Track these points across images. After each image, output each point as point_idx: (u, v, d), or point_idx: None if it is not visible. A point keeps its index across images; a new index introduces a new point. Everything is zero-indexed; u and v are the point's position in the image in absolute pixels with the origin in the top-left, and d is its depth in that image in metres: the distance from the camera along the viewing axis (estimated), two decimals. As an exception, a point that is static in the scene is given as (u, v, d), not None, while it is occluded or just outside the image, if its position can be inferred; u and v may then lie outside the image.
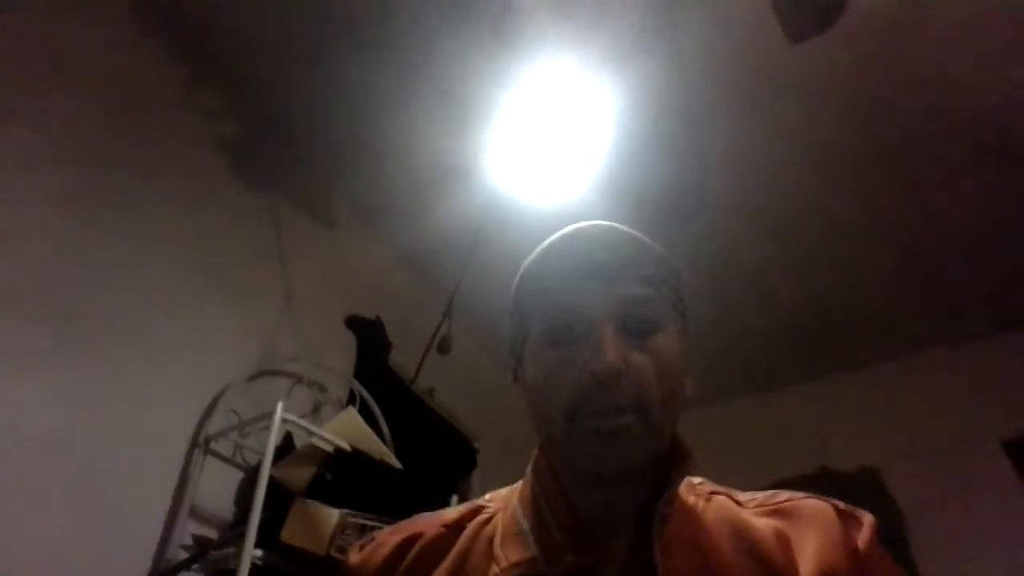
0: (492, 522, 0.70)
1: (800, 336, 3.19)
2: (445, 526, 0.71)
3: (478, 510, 0.73)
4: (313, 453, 1.73)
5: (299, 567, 1.45)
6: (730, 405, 3.59)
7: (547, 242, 0.70)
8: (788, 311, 3.05)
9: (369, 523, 1.55)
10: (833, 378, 3.42)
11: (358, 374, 2.51)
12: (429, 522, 0.72)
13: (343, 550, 1.47)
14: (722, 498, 0.70)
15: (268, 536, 1.51)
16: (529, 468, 0.73)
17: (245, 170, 2.30)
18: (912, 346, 3.24)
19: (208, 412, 1.88)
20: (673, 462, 0.66)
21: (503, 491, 0.76)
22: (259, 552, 1.43)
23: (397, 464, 1.87)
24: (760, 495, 0.70)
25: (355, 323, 2.64)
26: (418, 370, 2.29)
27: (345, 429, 1.78)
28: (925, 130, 2.31)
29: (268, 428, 1.60)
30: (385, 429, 2.33)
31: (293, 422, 1.65)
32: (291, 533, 1.44)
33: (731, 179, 2.46)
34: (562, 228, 0.68)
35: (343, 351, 2.52)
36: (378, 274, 2.87)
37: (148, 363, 1.77)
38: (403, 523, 0.75)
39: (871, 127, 2.31)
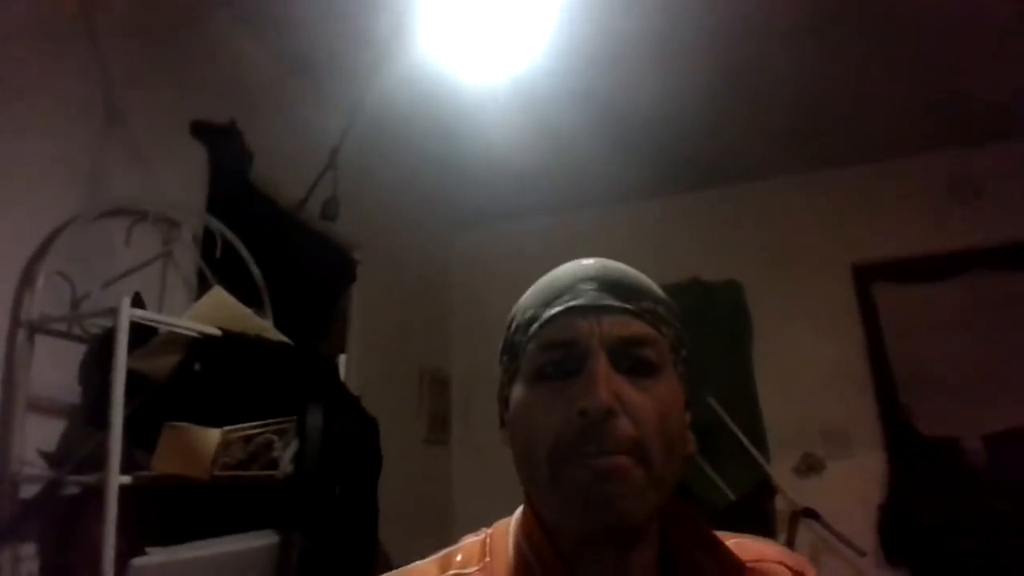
0: None
1: (684, 154, 3.11)
2: None
3: None
4: (174, 339, 1.48)
5: (176, 491, 1.31)
6: (614, 211, 3.60)
7: (542, 279, 0.66)
8: (676, 130, 2.91)
9: (255, 432, 1.40)
10: (707, 193, 3.47)
11: (213, 196, 2.12)
12: None
13: (231, 466, 1.34)
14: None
15: (138, 440, 1.33)
16: (513, 524, 0.66)
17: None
18: (778, 171, 3.32)
19: (25, 281, 1.50)
20: (676, 520, 0.62)
21: (475, 544, 0.67)
22: (127, 479, 1.25)
23: (278, 336, 1.67)
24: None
25: (204, 131, 2.14)
26: (302, 203, 1.94)
27: (212, 312, 1.51)
28: None
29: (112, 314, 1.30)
30: (256, 272, 2.05)
31: (146, 319, 1.36)
32: (164, 461, 1.26)
33: None
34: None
35: (195, 173, 2.08)
36: (233, 69, 2.27)
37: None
38: None
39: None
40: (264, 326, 1.64)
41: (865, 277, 3.23)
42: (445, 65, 2.07)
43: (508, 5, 1.66)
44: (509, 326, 0.66)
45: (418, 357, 3.39)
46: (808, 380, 3.14)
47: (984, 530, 2.78)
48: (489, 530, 0.69)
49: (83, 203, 1.65)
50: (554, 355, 0.59)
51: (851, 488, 2.99)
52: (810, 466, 3.12)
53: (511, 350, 0.64)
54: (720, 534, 0.66)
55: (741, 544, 0.67)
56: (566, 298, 0.60)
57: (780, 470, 3.05)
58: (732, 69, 2.52)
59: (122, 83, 1.81)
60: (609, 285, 0.60)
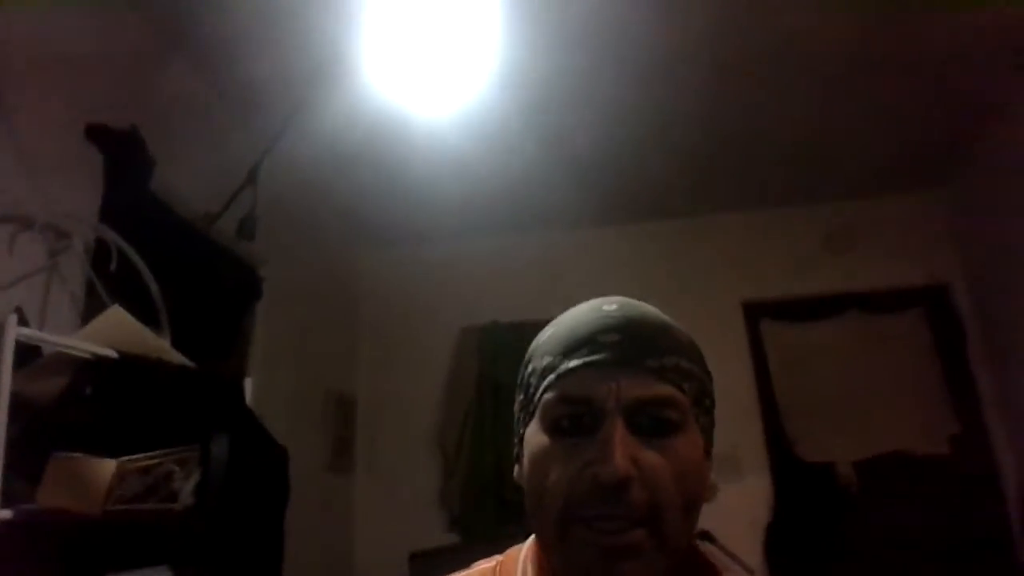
0: None
1: (598, 188, 3.22)
2: None
3: None
4: (62, 360, 1.36)
5: (63, 527, 1.19)
6: (515, 238, 3.66)
7: (565, 316, 0.65)
8: (590, 164, 3.02)
9: (153, 462, 1.30)
10: (614, 229, 3.61)
11: (108, 205, 1.97)
12: None
13: (127, 499, 1.23)
14: None
15: (18, 471, 1.20)
16: (524, 556, 0.68)
17: None
18: (680, 212, 3.53)
19: None
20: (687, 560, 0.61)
21: (487, 572, 0.69)
22: (7, 513, 1.13)
23: (178, 359, 1.57)
24: None
25: (101, 135, 1.99)
26: (214, 220, 1.84)
27: (109, 332, 1.40)
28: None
29: (-5, 346, 1.18)
30: (154, 288, 1.92)
31: (35, 340, 1.24)
32: (51, 495, 1.14)
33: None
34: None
35: (88, 180, 1.93)
36: (138, 70, 2.14)
37: None
38: None
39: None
40: (164, 347, 1.54)
41: (754, 314, 3.47)
42: (371, 87, 2.06)
43: (437, 33, 1.69)
44: (527, 364, 0.65)
45: (323, 380, 3.28)
46: (704, 408, 3.30)
47: (857, 547, 3.02)
48: (501, 557, 0.70)
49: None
50: (570, 410, 0.58)
51: (741, 510, 3.16)
52: (704, 491, 3.28)
53: (527, 391, 0.63)
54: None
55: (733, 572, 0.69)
56: (585, 351, 0.58)
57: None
58: (648, 111, 2.65)
59: (10, 76, 1.66)
60: (632, 339, 0.58)
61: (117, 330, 1.41)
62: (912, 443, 3.17)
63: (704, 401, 0.61)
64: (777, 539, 3.16)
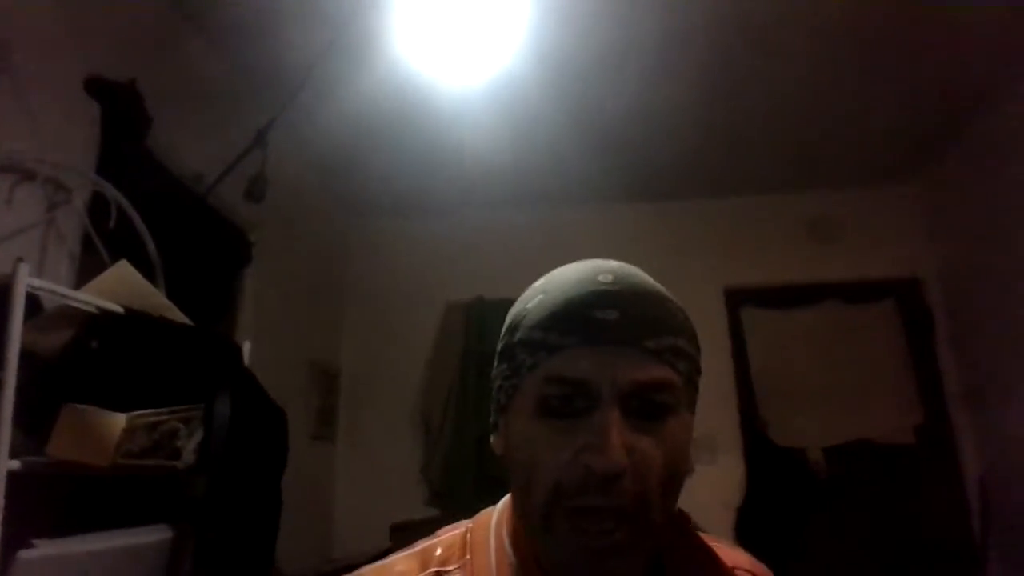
0: None
1: (603, 165, 3.24)
2: None
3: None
4: (68, 314, 1.35)
5: (68, 479, 1.19)
6: (509, 212, 3.67)
7: (555, 282, 0.60)
8: (596, 142, 3.04)
9: (160, 418, 1.30)
10: (609, 206, 3.65)
11: (105, 159, 1.94)
12: None
13: (133, 454, 1.23)
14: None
15: (29, 428, 1.19)
16: (496, 521, 0.65)
17: None
18: (671, 195, 3.57)
19: None
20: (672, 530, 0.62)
21: (455, 538, 0.65)
22: (16, 464, 1.12)
23: (181, 318, 1.56)
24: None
25: (99, 88, 1.94)
26: (216, 183, 1.82)
27: (115, 287, 1.39)
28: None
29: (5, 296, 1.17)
30: (151, 246, 1.90)
31: (45, 290, 1.23)
32: (61, 446, 1.14)
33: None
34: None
35: (87, 133, 1.88)
36: (141, 24, 2.09)
37: None
38: None
39: None
40: (168, 305, 1.53)
41: (735, 300, 3.55)
42: (391, 59, 2.03)
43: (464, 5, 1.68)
44: (512, 331, 0.61)
45: (308, 349, 3.27)
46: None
47: (824, 530, 3.14)
48: (470, 523, 0.67)
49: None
50: (562, 390, 0.55)
51: (714, 491, 3.25)
52: (679, 471, 3.36)
53: (512, 361, 0.59)
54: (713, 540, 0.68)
55: (719, 550, 0.68)
56: (580, 330, 0.55)
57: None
58: (655, 92, 2.66)
59: (16, 30, 1.62)
60: (629, 318, 0.55)
61: (123, 285, 1.40)
62: (879, 432, 3.29)
63: (694, 378, 0.60)
64: (747, 521, 3.27)
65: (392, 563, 0.64)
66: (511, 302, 0.64)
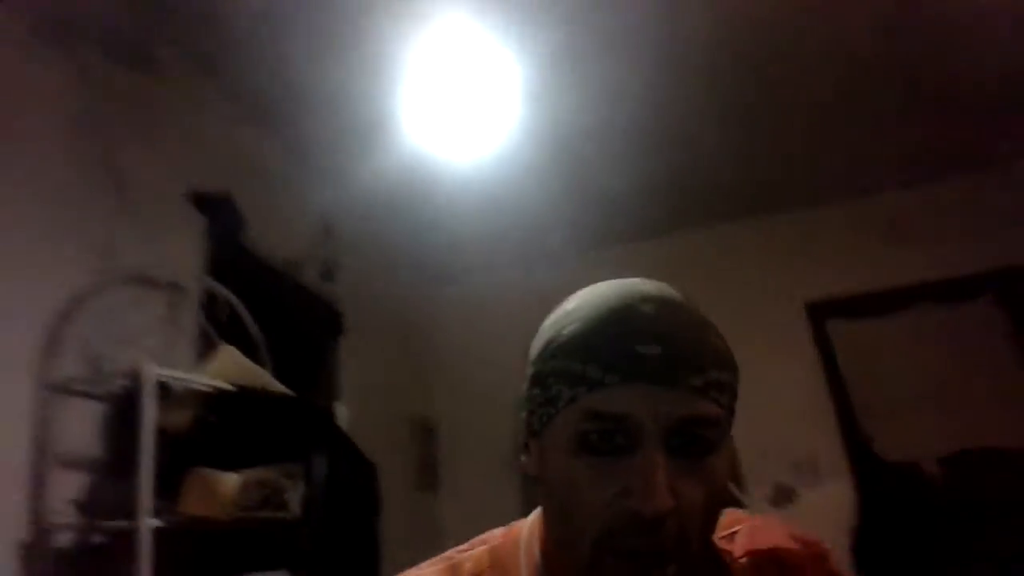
0: None
1: (640, 202, 3.34)
2: None
3: None
4: (191, 395, 1.61)
5: (196, 534, 1.42)
6: (578, 260, 3.80)
7: (592, 306, 0.57)
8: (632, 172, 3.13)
9: (269, 475, 1.52)
10: (666, 240, 3.71)
11: (211, 260, 2.27)
12: None
13: (248, 508, 1.45)
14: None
15: (162, 492, 1.44)
16: (527, 539, 0.66)
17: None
18: (731, 216, 3.58)
19: (49, 346, 1.62)
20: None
21: (483, 553, 0.67)
22: (156, 522, 1.36)
23: (283, 389, 1.80)
24: (737, 540, 0.68)
25: (202, 201, 2.30)
26: (299, 264, 2.08)
27: (226, 369, 1.65)
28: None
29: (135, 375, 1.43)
30: (254, 330, 2.19)
31: (170, 378, 1.49)
32: (190, 504, 1.37)
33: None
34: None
35: (194, 239, 2.23)
36: (227, 141, 2.46)
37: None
38: None
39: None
40: (269, 380, 1.78)
41: (818, 314, 3.47)
42: (424, 144, 2.30)
43: (476, 98, 1.91)
44: (545, 356, 0.58)
45: (406, 406, 3.51)
46: (773, 413, 3.31)
47: (953, 551, 2.94)
48: (498, 537, 0.68)
49: (95, 270, 1.79)
50: (602, 426, 0.53)
51: (824, 514, 3.14)
52: (783, 496, 3.27)
53: (547, 389, 0.57)
54: (732, 519, 0.68)
55: (754, 531, 0.68)
56: (622, 366, 0.53)
57: (753, 501, 3.20)
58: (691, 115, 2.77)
59: (125, 152, 1.98)
60: (673, 353, 0.53)
61: (232, 367, 1.65)
62: (999, 436, 3.08)
63: (733, 406, 0.58)
64: (865, 542, 3.12)
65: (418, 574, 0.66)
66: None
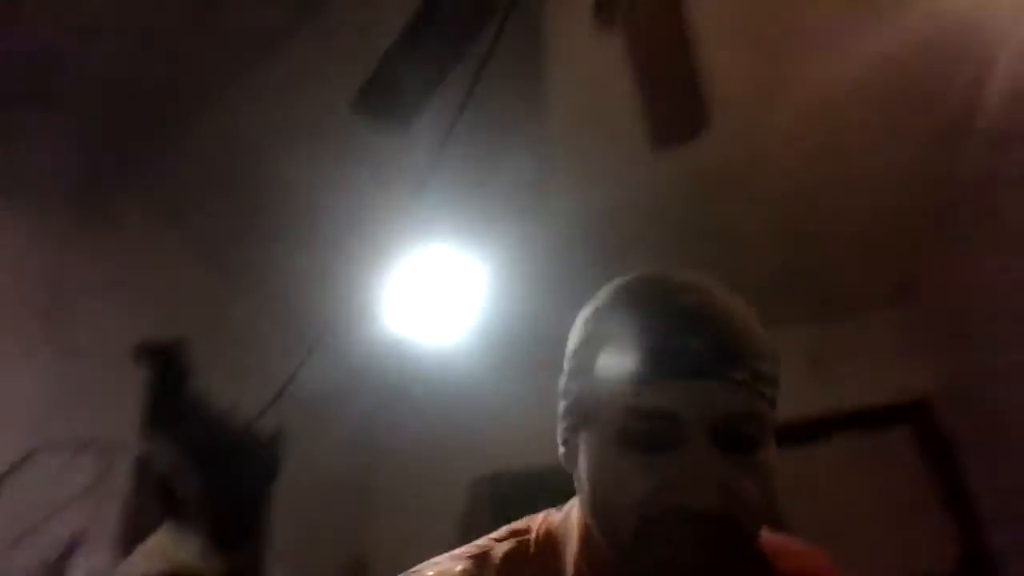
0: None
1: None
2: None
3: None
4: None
5: None
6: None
7: (632, 298, 0.57)
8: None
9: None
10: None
11: (153, 416, 2.21)
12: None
13: None
14: None
15: None
16: (567, 531, 0.64)
17: None
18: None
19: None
20: None
21: (515, 547, 0.66)
22: None
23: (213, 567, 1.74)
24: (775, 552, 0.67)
25: (146, 353, 2.26)
26: (251, 423, 2.06)
27: (159, 549, 1.59)
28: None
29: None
30: (195, 489, 2.11)
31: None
32: None
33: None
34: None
35: (133, 393, 2.18)
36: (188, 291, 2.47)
37: None
38: None
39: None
40: (201, 567, 1.71)
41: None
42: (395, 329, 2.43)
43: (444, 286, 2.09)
44: (587, 348, 0.58)
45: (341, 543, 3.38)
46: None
47: None
48: (532, 532, 0.66)
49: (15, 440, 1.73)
50: (648, 423, 0.53)
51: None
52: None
53: (589, 381, 0.57)
54: (769, 539, 0.65)
55: (787, 553, 0.67)
56: (667, 360, 0.52)
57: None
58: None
59: (75, 308, 1.96)
60: (718, 346, 0.53)
61: (165, 547, 1.59)
62: (919, 566, 3.18)
63: (776, 397, 0.57)
64: None
65: (438, 563, 0.66)
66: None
